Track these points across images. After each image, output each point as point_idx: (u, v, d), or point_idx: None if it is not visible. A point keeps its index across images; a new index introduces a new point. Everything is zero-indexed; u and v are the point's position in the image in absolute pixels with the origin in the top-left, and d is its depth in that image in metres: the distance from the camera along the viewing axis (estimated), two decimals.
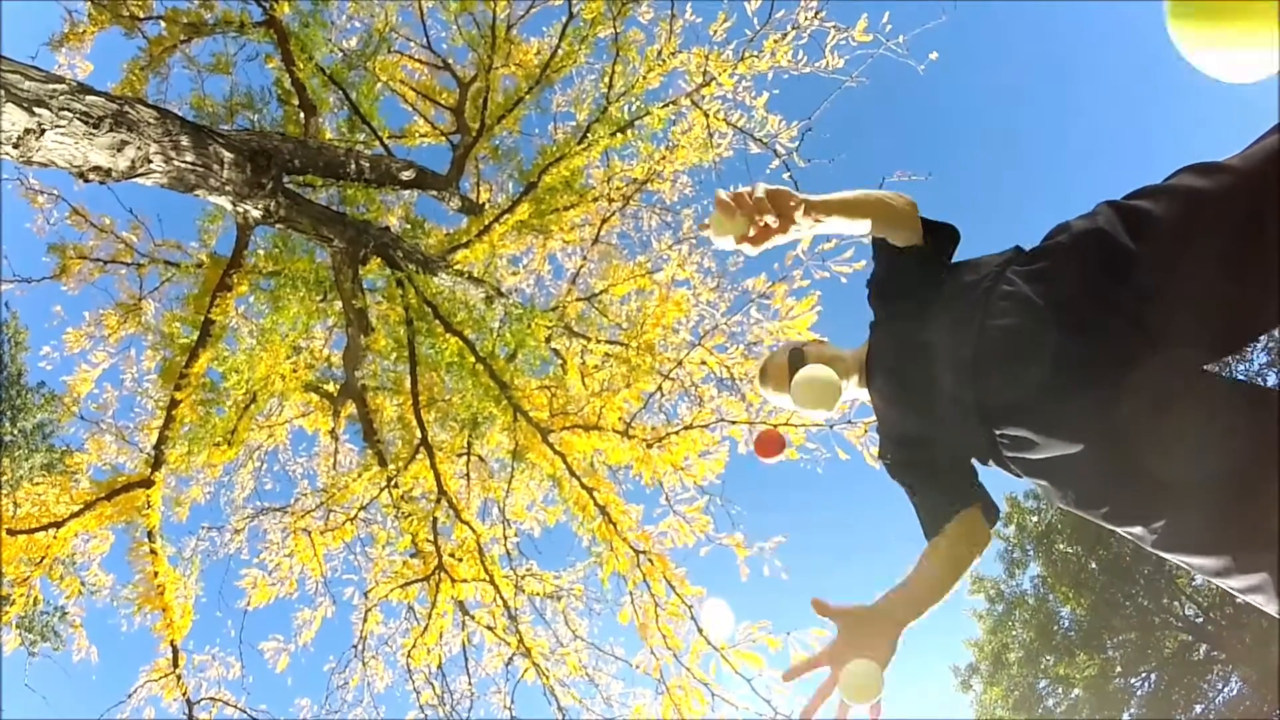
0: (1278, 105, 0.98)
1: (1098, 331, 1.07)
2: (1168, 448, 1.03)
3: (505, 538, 4.94)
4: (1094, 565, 13.44)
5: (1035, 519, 13.84)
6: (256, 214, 3.98)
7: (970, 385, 1.18)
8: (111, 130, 2.97)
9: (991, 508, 1.32)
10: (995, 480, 1.40)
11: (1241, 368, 12.07)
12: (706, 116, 4.96)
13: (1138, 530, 1.11)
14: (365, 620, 5.12)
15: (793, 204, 1.11)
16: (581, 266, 5.47)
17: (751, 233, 1.10)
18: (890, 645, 1.15)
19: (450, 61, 5.68)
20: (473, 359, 4.47)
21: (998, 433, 1.18)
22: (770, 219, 1.09)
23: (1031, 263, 1.18)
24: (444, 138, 5.80)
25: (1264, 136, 1.01)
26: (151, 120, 3.21)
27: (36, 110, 2.69)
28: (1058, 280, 1.12)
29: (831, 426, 4.48)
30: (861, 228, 1.28)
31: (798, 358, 1.48)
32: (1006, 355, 1.14)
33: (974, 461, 1.33)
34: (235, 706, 4.88)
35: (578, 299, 5.25)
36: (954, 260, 1.35)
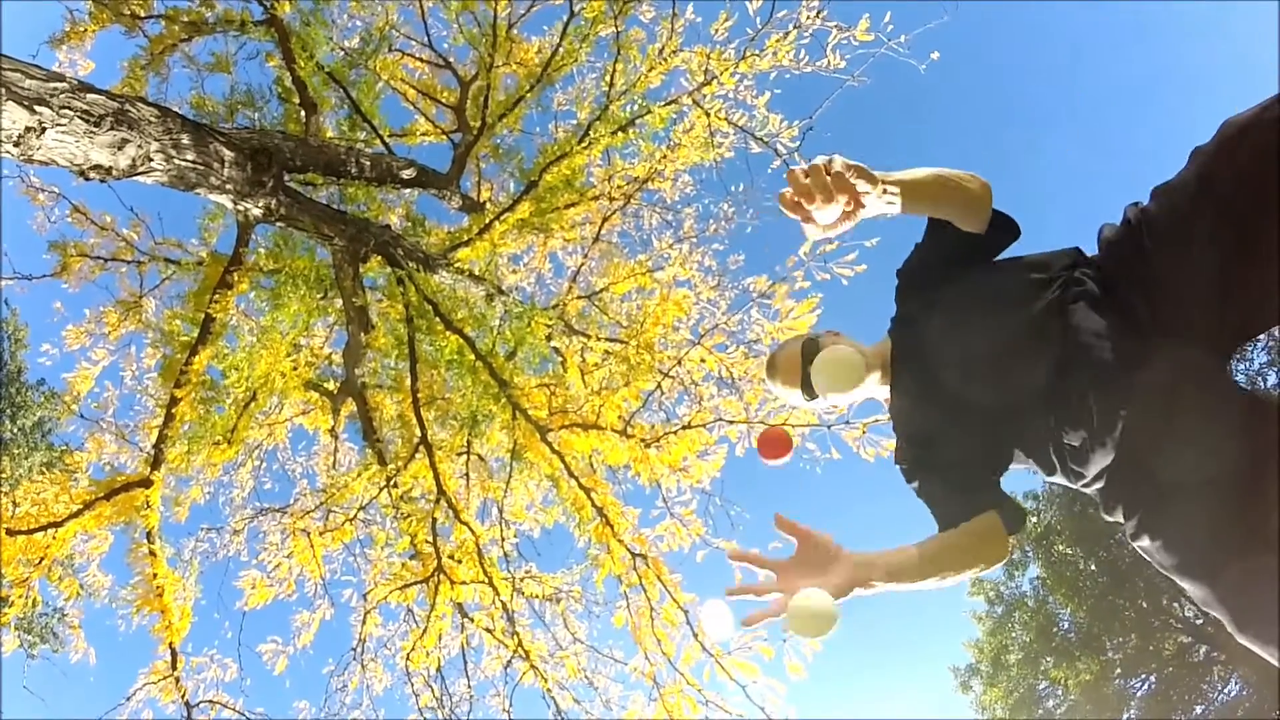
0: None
1: (1152, 335, 1.07)
2: (1167, 451, 1.01)
3: (504, 539, 4.92)
4: (1093, 567, 13.41)
5: (1035, 520, 13.80)
6: (257, 212, 3.98)
7: (1052, 387, 1.14)
8: (112, 129, 2.96)
9: (1015, 515, 1.24)
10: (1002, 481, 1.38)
11: (1242, 368, 12.02)
12: (708, 115, 4.95)
13: (1145, 543, 1.08)
14: (364, 622, 5.10)
15: (869, 182, 1.03)
16: (582, 265, 5.47)
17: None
18: (844, 578, 1.07)
19: (451, 60, 5.67)
20: (473, 357, 4.46)
21: (1064, 441, 1.14)
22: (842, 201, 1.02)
23: (1092, 265, 1.19)
24: (445, 136, 5.80)
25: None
26: (152, 119, 3.20)
27: (37, 108, 2.68)
28: (1119, 284, 1.12)
29: (830, 428, 4.46)
30: (932, 210, 1.22)
31: (811, 348, 1.39)
32: (1099, 362, 1.09)
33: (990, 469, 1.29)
34: (233, 709, 4.84)
35: (578, 297, 5.24)
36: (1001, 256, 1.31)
